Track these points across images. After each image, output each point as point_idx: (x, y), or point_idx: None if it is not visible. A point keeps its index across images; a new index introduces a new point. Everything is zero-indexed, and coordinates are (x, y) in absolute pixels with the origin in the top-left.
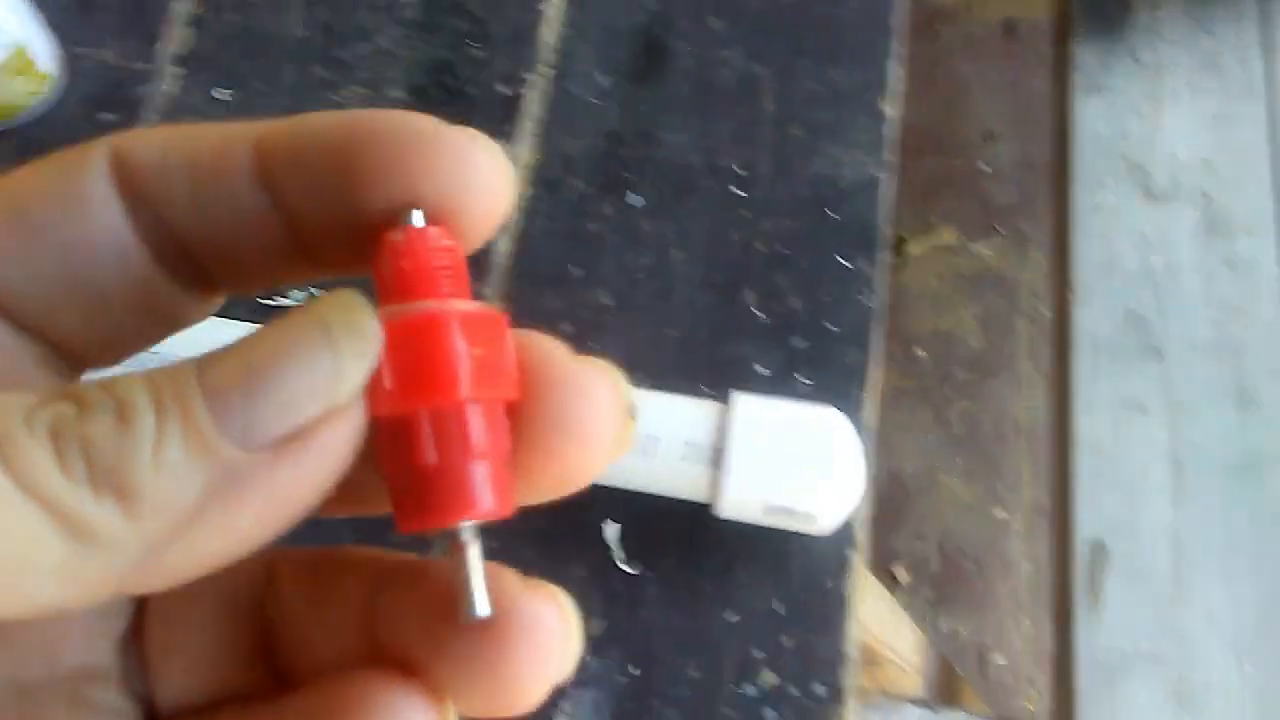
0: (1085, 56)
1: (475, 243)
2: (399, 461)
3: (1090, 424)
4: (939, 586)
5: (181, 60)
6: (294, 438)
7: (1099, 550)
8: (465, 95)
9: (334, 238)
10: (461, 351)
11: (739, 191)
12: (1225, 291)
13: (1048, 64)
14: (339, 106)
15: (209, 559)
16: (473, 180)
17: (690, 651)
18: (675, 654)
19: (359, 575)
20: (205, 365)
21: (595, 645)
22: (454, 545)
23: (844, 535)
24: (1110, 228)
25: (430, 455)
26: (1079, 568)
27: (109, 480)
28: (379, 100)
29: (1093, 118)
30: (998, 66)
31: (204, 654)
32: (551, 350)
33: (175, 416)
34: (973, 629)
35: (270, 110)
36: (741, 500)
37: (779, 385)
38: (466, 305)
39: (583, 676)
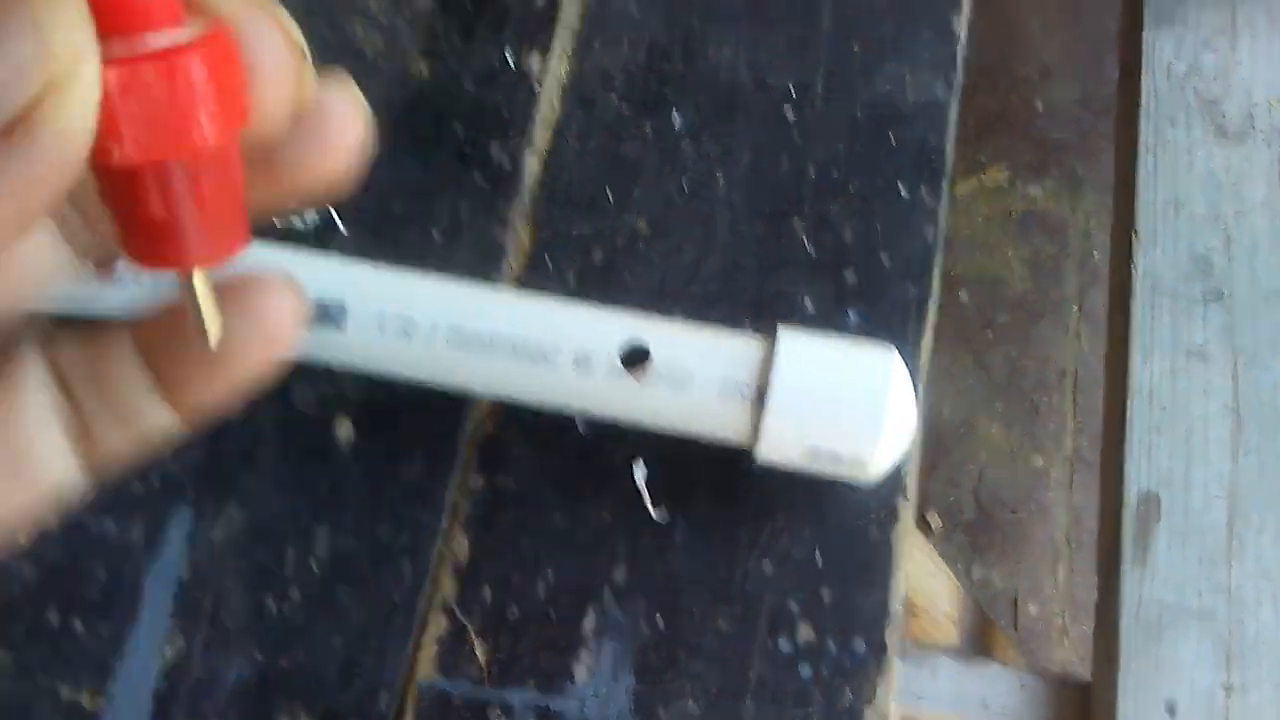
0: None
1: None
2: (124, 207)
3: (1147, 371)
4: (972, 534)
5: None
6: (16, 122)
7: (1150, 501)
8: (497, 3)
9: None
10: (196, 96)
11: (790, 112)
12: None
13: None
14: (362, 13)
15: None
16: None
17: (721, 602)
18: (705, 605)
19: None
20: None
21: (619, 594)
22: (183, 284)
23: (892, 483)
24: (1178, 167)
25: (158, 208)
26: (1128, 519)
27: None
28: (405, 8)
29: (1163, 51)
30: (1058, 1)
31: None
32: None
33: None
34: (1006, 578)
35: None
36: (783, 442)
37: (828, 322)
38: (186, 34)
39: (604, 626)
